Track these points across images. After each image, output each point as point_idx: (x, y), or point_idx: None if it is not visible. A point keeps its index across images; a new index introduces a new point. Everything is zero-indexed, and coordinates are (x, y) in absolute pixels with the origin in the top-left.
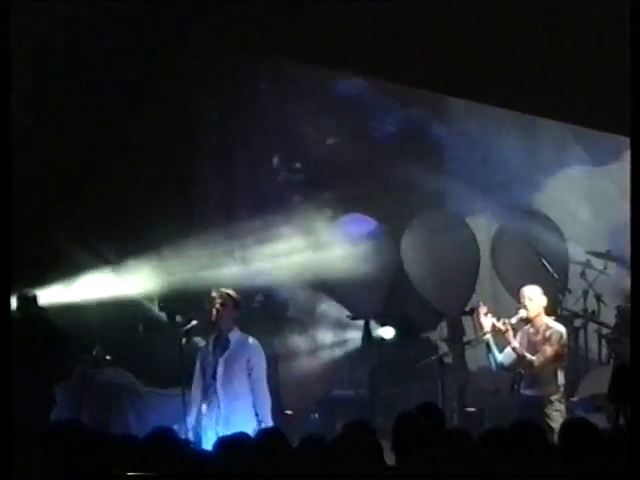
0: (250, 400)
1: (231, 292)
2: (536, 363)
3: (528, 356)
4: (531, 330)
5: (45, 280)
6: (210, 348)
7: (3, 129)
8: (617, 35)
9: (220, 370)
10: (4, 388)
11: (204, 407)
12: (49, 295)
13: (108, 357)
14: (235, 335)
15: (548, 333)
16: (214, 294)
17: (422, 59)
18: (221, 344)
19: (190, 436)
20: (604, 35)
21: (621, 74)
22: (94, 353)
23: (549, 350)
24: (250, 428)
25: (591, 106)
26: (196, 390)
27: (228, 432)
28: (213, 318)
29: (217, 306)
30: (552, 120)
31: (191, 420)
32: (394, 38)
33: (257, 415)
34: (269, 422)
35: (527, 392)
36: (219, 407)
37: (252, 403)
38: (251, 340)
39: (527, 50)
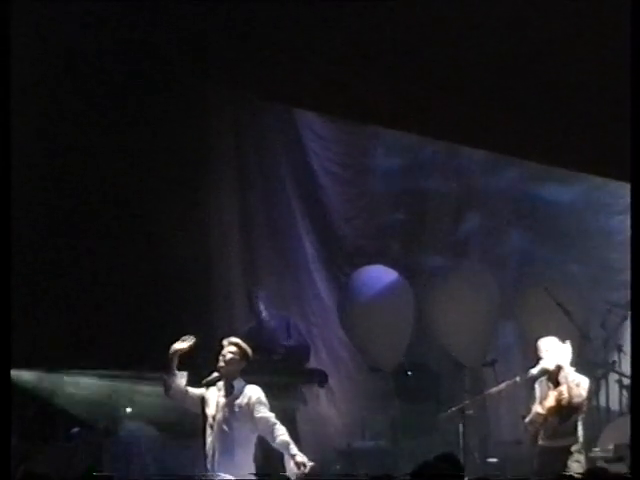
0: (250, 450)
1: (241, 343)
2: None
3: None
4: (550, 382)
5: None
6: (214, 395)
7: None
8: (617, 78)
9: (220, 416)
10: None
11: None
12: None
13: (129, 409)
14: (239, 384)
15: (574, 387)
16: (224, 342)
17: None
18: (225, 392)
19: None
20: (605, 83)
21: (622, 121)
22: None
23: (585, 405)
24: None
25: (591, 152)
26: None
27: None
28: (221, 366)
29: (227, 356)
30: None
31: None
32: (415, 92)
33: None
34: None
35: (546, 443)
36: (216, 455)
37: (253, 454)
38: (249, 387)
39: (528, 99)
